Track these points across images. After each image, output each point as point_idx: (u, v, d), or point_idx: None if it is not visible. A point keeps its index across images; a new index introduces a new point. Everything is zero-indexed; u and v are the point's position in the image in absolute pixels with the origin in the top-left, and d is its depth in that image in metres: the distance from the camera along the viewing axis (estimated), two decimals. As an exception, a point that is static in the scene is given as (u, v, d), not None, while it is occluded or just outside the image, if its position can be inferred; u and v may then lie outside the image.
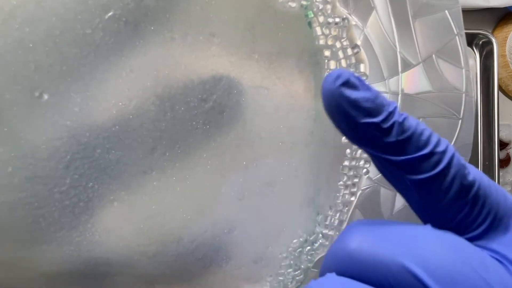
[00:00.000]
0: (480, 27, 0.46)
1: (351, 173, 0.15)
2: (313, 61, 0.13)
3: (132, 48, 0.11)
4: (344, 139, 0.15)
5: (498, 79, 0.45)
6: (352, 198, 0.16)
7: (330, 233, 0.15)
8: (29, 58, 0.10)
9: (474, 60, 0.46)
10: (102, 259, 0.13)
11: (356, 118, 0.10)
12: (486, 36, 0.45)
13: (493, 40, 0.44)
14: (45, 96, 0.11)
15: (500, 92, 0.46)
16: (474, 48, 0.46)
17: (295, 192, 0.14)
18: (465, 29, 0.43)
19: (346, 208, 0.16)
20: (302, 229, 0.15)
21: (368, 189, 0.16)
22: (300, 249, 0.15)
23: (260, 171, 0.13)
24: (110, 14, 0.11)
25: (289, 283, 0.16)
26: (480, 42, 0.46)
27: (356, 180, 0.15)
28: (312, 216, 0.15)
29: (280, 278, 0.15)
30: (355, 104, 0.10)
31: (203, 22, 0.11)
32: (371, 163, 0.16)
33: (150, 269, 0.14)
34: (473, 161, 0.44)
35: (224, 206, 0.13)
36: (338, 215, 0.16)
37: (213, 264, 0.14)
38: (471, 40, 0.46)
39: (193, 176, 0.13)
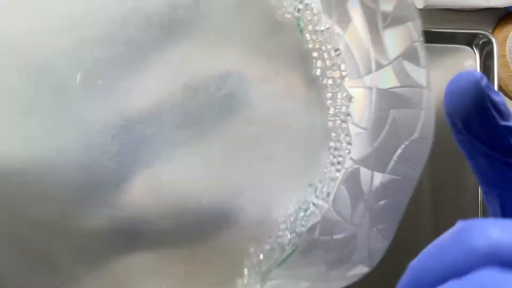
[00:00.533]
0: (480, 27, 0.45)
1: (336, 153, 0.19)
2: (304, 60, 0.17)
3: (167, 47, 0.15)
4: (330, 123, 0.19)
5: (498, 79, 0.43)
6: (337, 174, 0.19)
7: (320, 202, 0.19)
8: (90, 52, 0.14)
9: (474, 60, 0.45)
10: (138, 218, 0.16)
11: (497, 120, 0.10)
12: (486, 36, 0.43)
13: (493, 40, 0.42)
14: (100, 82, 0.14)
15: (500, 92, 0.46)
16: (474, 48, 0.44)
17: (291, 164, 0.17)
18: (465, 29, 0.43)
19: (332, 182, 0.19)
20: (296, 198, 0.18)
21: (350, 168, 0.20)
22: (295, 215, 0.18)
23: (264, 146, 0.16)
24: (150, 20, 0.15)
25: (286, 245, 0.19)
26: (480, 42, 0.44)
27: (340, 159, 0.19)
28: (305, 186, 0.18)
29: (279, 240, 0.18)
30: (496, 106, 0.10)
31: (222, 29, 0.15)
32: (352, 145, 0.20)
33: (174, 229, 0.17)
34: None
35: (235, 174, 0.16)
36: (326, 187, 0.19)
37: (224, 226, 0.17)
38: (471, 40, 0.44)
39: (211, 148, 0.16)
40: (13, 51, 0.14)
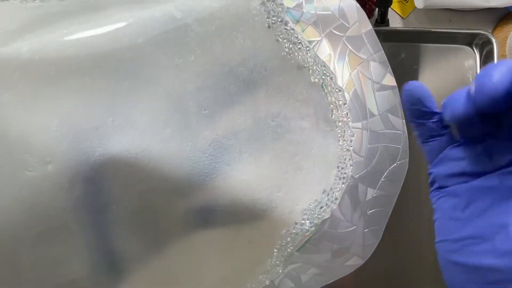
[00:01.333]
0: (480, 27, 0.45)
1: (342, 171, 0.28)
2: (325, 108, 0.27)
3: (245, 93, 0.24)
4: (339, 151, 0.28)
5: None
6: (343, 186, 0.28)
7: (330, 204, 0.27)
8: (202, 94, 0.24)
9: (474, 60, 0.44)
10: (215, 202, 0.24)
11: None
12: (486, 36, 0.43)
13: (493, 40, 0.42)
14: (205, 112, 0.24)
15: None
16: (474, 48, 0.44)
17: (313, 175, 0.26)
18: (465, 29, 0.44)
19: (339, 191, 0.28)
20: (315, 198, 0.27)
21: (351, 183, 0.28)
22: (313, 210, 0.27)
23: (297, 161, 0.25)
24: (238, 78, 0.24)
25: (306, 231, 0.27)
26: (480, 42, 0.44)
27: (345, 175, 0.28)
28: (321, 191, 0.27)
29: (302, 226, 0.27)
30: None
31: (278, 85, 0.25)
32: (353, 167, 0.29)
33: (233, 213, 0.25)
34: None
35: (277, 177, 0.25)
36: (335, 194, 0.27)
37: (266, 212, 0.26)
38: (471, 40, 0.44)
39: (263, 158, 0.25)
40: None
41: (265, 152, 0.25)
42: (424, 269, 0.41)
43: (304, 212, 0.27)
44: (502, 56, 0.44)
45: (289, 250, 0.28)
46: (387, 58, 0.41)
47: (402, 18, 0.48)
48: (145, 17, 0.22)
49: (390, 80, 0.28)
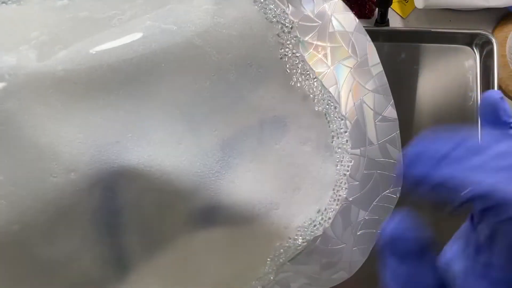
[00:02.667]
0: (480, 27, 0.45)
1: (337, 193, 0.30)
2: (327, 134, 0.29)
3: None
4: (336, 175, 0.30)
5: (498, 79, 0.43)
6: (336, 207, 0.30)
7: (323, 222, 0.30)
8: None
9: (474, 60, 0.44)
10: (219, 204, 0.27)
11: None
12: (486, 36, 0.43)
13: (493, 40, 0.42)
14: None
15: None
16: (474, 48, 0.44)
17: (310, 195, 0.29)
18: (465, 29, 0.44)
19: (333, 212, 0.30)
20: (309, 216, 0.29)
21: (345, 204, 0.31)
22: (307, 227, 0.29)
23: (296, 181, 0.28)
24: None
25: (298, 246, 0.29)
26: (480, 42, 0.44)
27: (339, 197, 0.30)
28: (315, 210, 0.29)
29: (294, 241, 0.29)
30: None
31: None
32: (348, 190, 0.31)
33: (231, 217, 0.27)
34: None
35: (277, 193, 0.28)
36: (328, 214, 0.30)
37: (264, 223, 0.28)
38: (471, 40, 0.44)
39: (267, 170, 0.27)
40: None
41: (267, 172, 0.27)
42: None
43: (298, 229, 0.29)
44: (502, 56, 0.44)
45: (281, 260, 0.30)
46: (387, 58, 0.43)
47: (402, 18, 0.47)
48: (167, 43, 0.24)
49: (391, 112, 0.30)
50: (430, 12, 0.47)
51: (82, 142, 0.23)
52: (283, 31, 0.26)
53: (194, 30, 0.25)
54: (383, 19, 0.44)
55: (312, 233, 0.29)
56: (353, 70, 0.29)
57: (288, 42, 0.26)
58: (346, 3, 0.44)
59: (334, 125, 0.28)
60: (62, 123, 0.22)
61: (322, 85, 0.28)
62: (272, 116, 0.27)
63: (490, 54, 0.43)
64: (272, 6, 0.25)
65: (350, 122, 0.29)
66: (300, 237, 0.29)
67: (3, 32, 0.23)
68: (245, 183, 0.27)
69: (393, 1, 0.44)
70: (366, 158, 0.30)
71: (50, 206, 0.23)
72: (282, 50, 0.26)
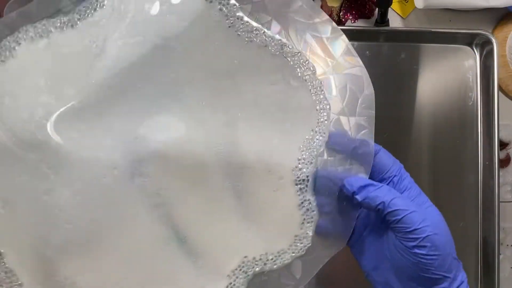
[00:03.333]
0: (480, 27, 0.44)
1: (322, 112, 0.30)
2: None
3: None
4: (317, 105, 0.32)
5: (498, 79, 0.42)
6: (326, 123, 0.30)
7: (320, 138, 0.30)
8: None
9: (474, 60, 0.44)
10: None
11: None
12: (486, 36, 0.42)
13: (493, 40, 0.42)
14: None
15: (500, 92, 0.44)
16: (474, 48, 0.44)
17: (302, 123, 0.30)
18: (465, 29, 0.44)
19: (325, 127, 0.30)
20: (306, 136, 0.30)
21: (334, 118, 0.30)
22: (311, 140, 0.30)
23: (289, 113, 0.30)
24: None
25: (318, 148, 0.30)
26: (480, 42, 0.43)
27: (325, 117, 0.30)
28: (310, 129, 0.30)
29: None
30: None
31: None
32: (331, 107, 0.30)
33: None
34: (473, 161, 0.45)
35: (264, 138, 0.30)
36: (322, 128, 0.30)
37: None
38: (471, 40, 0.44)
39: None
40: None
41: (257, 119, 0.31)
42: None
43: (307, 139, 0.31)
44: (502, 56, 0.44)
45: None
46: (387, 58, 0.45)
47: (402, 18, 0.47)
48: (139, 53, 0.29)
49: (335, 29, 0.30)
50: (430, 12, 0.46)
51: (111, 145, 0.29)
52: (223, 5, 0.30)
53: (157, 34, 0.29)
54: (383, 19, 0.44)
55: (320, 142, 0.31)
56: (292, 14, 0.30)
57: (231, 11, 0.30)
58: (346, 3, 0.46)
59: (295, 59, 0.30)
60: (90, 138, 0.29)
61: (272, 35, 0.30)
62: (242, 74, 0.30)
63: (490, 54, 0.43)
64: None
65: (307, 54, 0.30)
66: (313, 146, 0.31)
67: (18, 87, 0.29)
68: (246, 136, 0.30)
69: (393, 1, 0.44)
70: (334, 75, 0.30)
71: (103, 200, 0.30)
72: (228, 20, 0.30)
